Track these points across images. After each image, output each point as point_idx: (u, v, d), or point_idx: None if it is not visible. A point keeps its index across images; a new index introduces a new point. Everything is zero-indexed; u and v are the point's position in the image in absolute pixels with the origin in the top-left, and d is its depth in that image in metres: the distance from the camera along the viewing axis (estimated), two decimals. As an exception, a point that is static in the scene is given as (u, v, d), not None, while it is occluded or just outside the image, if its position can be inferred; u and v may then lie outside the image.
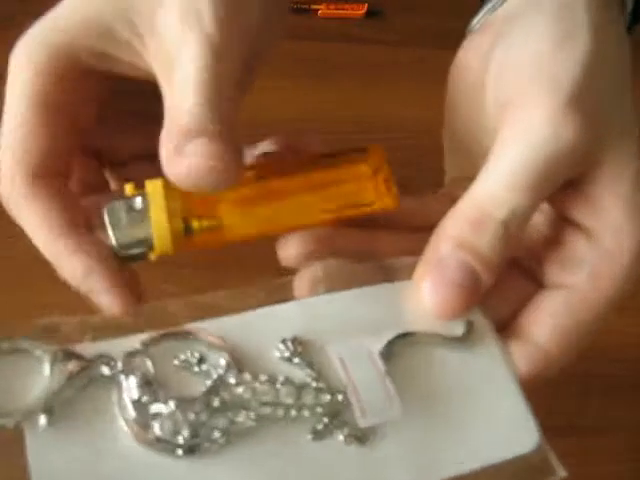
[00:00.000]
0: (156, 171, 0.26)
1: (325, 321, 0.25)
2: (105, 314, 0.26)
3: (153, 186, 0.26)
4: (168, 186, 0.26)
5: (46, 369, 0.22)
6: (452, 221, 0.26)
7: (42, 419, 0.21)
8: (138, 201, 0.26)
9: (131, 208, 0.26)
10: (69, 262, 0.27)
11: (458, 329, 0.26)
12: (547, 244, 0.28)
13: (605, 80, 0.28)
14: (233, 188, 0.26)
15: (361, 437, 0.23)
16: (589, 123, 0.26)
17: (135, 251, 0.26)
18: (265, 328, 0.25)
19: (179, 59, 0.25)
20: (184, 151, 0.24)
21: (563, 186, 0.27)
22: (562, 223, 0.28)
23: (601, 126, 0.27)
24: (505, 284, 0.28)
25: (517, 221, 0.25)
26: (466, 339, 0.26)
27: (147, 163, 0.30)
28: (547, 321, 0.27)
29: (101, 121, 0.31)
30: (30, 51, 0.27)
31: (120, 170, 0.32)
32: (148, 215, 0.25)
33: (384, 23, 0.78)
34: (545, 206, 0.29)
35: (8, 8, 0.67)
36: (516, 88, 0.27)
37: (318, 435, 0.23)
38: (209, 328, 0.24)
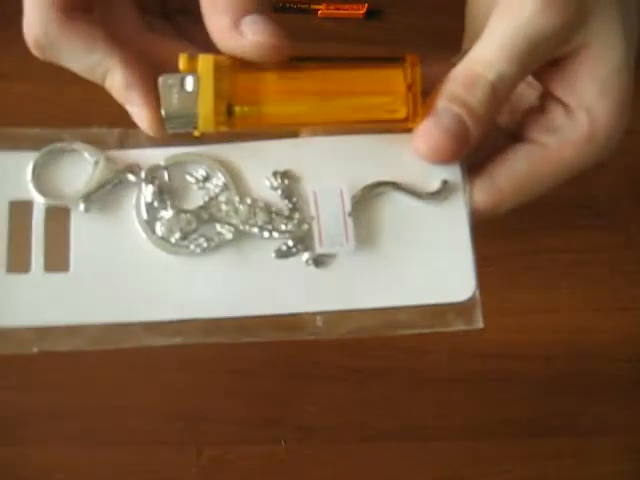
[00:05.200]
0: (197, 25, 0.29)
1: (314, 160, 0.30)
2: (140, 130, 0.29)
3: (205, 64, 0.28)
4: (218, 65, 0.28)
5: (89, 168, 0.29)
6: (448, 81, 0.30)
7: (81, 206, 0.28)
8: (189, 80, 0.28)
9: (182, 85, 0.28)
10: (114, 75, 0.29)
11: (434, 185, 0.30)
12: (531, 111, 0.32)
13: None
14: (274, 78, 0.29)
15: (318, 261, 0.29)
16: (576, 6, 0.29)
17: (181, 124, 0.28)
18: (264, 158, 0.30)
19: None
20: (242, 27, 0.27)
21: (550, 63, 0.30)
22: (547, 96, 0.32)
23: (589, 9, 0.29)
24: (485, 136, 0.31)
25: (504, 85, 0.29)
26: (437, 195, 0.30)
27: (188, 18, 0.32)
28: (508, 165, 0.31)
29: None
30: None
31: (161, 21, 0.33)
32: (196, 95, 0.28)
33: (384, 23, 0.77)
34: (535, 81, 0.32)
35: (8, 8, 0.67)
36: None
37: (280, 254, 0.29)
38: (219, 151, 0.29)
